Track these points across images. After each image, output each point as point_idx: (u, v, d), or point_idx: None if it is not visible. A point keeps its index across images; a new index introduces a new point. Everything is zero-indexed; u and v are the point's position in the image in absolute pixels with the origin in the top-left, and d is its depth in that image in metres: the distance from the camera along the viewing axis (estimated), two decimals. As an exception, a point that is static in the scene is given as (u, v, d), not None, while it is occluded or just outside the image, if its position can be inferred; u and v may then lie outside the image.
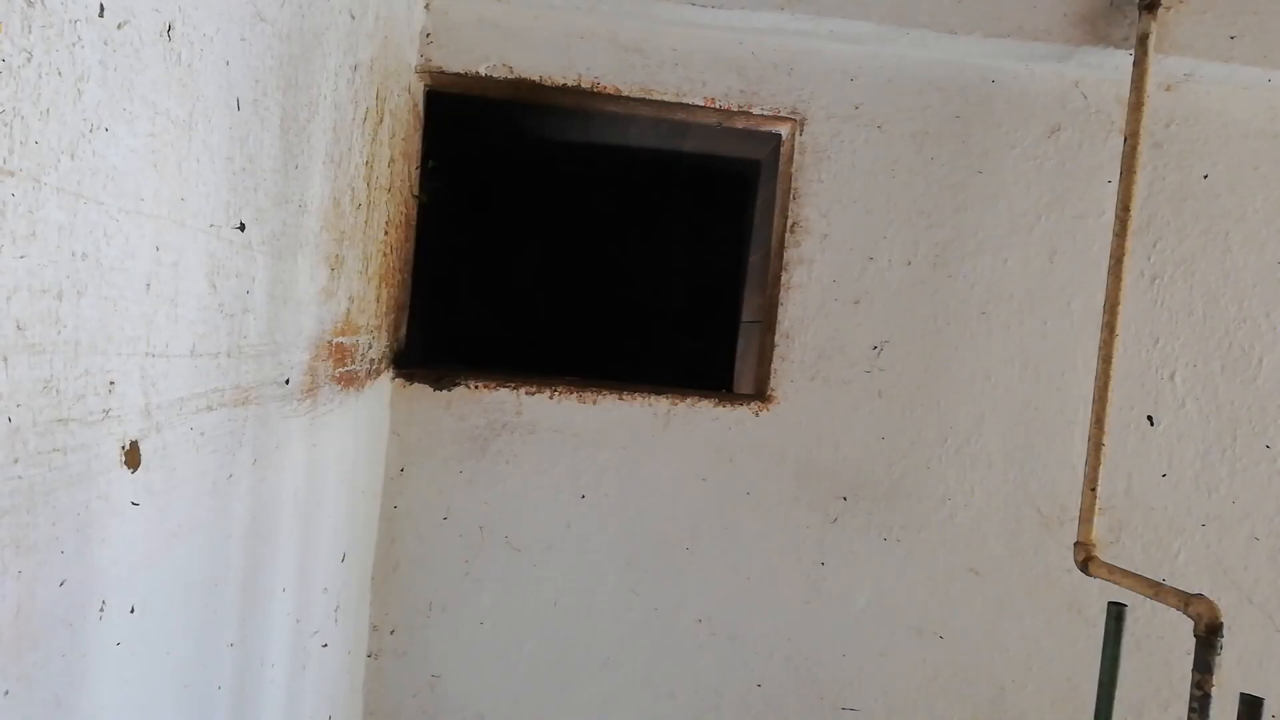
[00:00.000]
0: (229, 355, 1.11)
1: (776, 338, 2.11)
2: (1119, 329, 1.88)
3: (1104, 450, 1.88)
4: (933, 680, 2.18)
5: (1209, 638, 1.38)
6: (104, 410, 0.84)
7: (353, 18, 1.48)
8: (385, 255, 1.88)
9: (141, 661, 0.97)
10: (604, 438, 2.10)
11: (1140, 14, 1.87)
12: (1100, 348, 1.89)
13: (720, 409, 2.11)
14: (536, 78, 2.05)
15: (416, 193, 2.13)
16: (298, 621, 1.55)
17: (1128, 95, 1.90)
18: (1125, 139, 1.89)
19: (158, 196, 0.90)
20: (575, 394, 2.10)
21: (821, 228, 2.11)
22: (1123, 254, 1.88)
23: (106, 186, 0.80)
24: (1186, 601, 1.45)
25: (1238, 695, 1.36)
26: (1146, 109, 1.87)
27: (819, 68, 2.09)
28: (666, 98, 2.07)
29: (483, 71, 2.05)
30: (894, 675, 2.18)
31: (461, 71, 2.04)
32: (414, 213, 2.14)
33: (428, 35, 2.03)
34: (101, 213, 0.80)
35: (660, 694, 2.16)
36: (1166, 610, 1.53)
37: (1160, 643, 2.12)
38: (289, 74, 1.22)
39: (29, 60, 0.68)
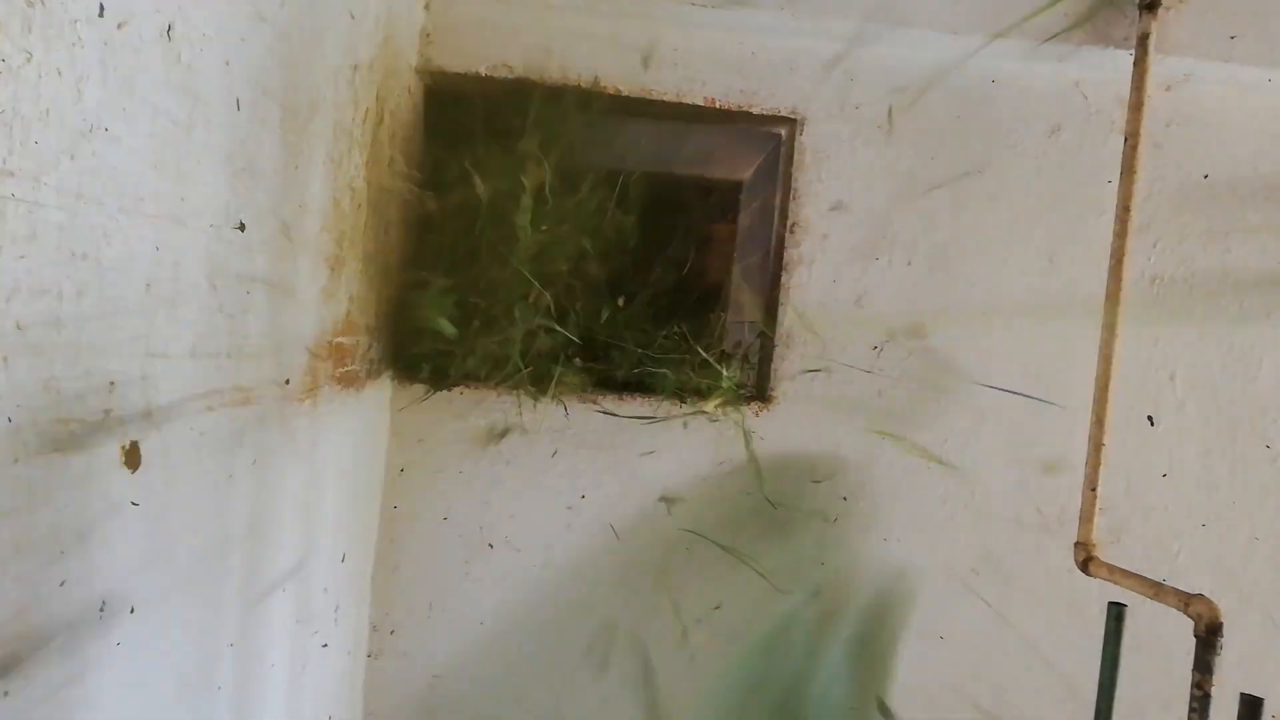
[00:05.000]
0: (229, 355, 1.11)
1: (777, 338, 2.11)
2: (1119, 329, 1.88)
3: (1104, 450, 1.88)
4: (933, 680, 2.18)
5: (1209, 638, 1.39)
6: (104, 410, 0.84)
7: (353, 18, 1.49)
8: (385, 255, 1.88)
9: (141, 662, 0.97)
10: (604, 438, 2.10)
11: (1140, 14, 1.87)
12: (1100, 348, 1.89)
13: (720, 409, 2.11)
14: (537, 78, 2.05)
15: (416, 193, 2.13)
16: (298, 622, 1.55)
17: (1128, 95, 1.90)
18: (1125, 139, 1.89)
19: (158, 197, 0.90)
20: (575, 394, 2.10)
21: (821, 228, 2.10)
22: (1123, 254, 1.88)
23: (106, 187, 0.80)
24: (1187, 602, 1.45)
25: (1238, 695, 1.36)
26: (1146, 109, 1.87)
27: (819, 68, 2.09)
28: (666, 98, 2.07)
29: (483, 72, 2.05)
30: (894, 675, 2.17)
31: (462, 72, 2.04)
32: (414, 213, 2.14)
33: (428, 35, 2.03)
34: (101, 213, 0.80)
35: (660, 693, 2.16)
36: (1167, 610, 1.52)
37: (1160, 643, 2.12)
38: (289, 74, 1.22)
39: (29, 60, 0.68)
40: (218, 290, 1.06)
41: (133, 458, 0.89)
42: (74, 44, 0.73)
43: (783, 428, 2.12)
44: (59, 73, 0.71)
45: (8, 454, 0.71)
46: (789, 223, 2.11)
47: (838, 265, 2.11)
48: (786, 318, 2.11)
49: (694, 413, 2.11)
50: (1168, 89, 2.11)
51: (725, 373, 2.10)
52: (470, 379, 2.06)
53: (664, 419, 2.11)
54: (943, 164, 2.11)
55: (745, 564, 2.12)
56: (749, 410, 2.11)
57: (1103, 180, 2.11)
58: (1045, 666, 2.18)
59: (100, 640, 0.88)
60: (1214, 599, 1.42)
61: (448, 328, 1.88)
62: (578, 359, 2.08)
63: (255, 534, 1.28)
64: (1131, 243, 1.88)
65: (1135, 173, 1.87)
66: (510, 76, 2.05)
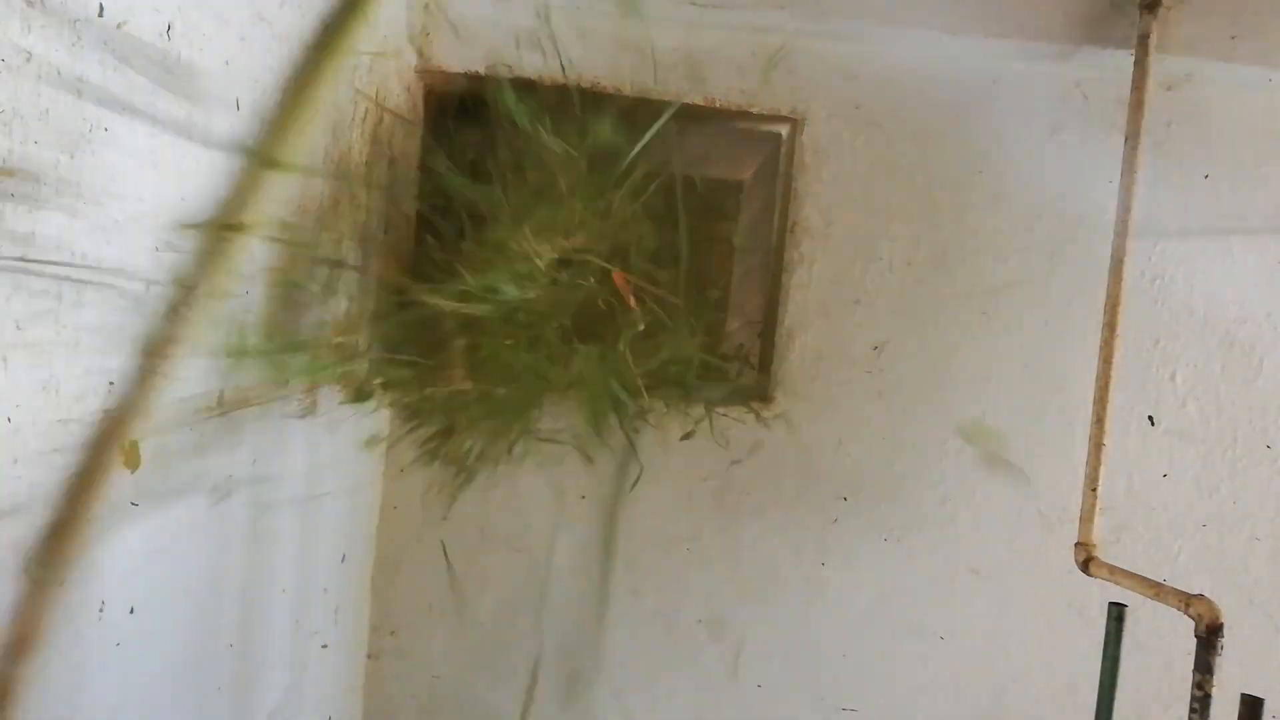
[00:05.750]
0: (229, 356, 1.11)
1: (777, 338, 2.11)
2: (1119, 329, 1.87)
3: (1104, 450, 1.87)
4: (933, 681, 2.18)
5: (1210, 638, 1.38)
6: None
7: (353, 18, 1.48)
8: (384, 256, 1.88)
9: (141, 662, 0.97)
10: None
11: (1140, 14, 1.87)
12: (1100, 348, 1.89)
13: (721, 410, 2.11)
14: (536, 77, 2.05)
15: (415, 193, 2.12)
16: (297, 622, 1.55)
17: (1128, 95, 1.90)
18: (1125, 139, 1.89)
19: (158, 196, 0.90)
20: (576, 396, 2.09)
21: (821, 228, 2.10)
22: (1123, 254, 1.87)
23: (106, 186, 0.80)
24: (1187, 602, 1.45)
25: (1238, 696, 1.36)
26: (1147, 109, 1.87)
27: (819, 68, 2.09)
28: (666, 98, 2.07)
29: (483, 71, 2.05)
30: (894, 676, 2.17)
31: (461, 71, 2.04)
32: (413, 213, 2.14)
33: (427, 34, 2.03)
34: (101, 212, 0.80)
35: (660, 696, 2.16)
36: (1167, 611, 1.52)
37: (1161, 643, 2.12)
38: (288, 74, 1.22)
39: (29, 60, 0.68)
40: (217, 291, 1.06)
41: (132, 458, 0.89)
42: (74, 44, 0.73)
43: (783, 428, 2.11)
44: (59, 73, 0.71)
45: (8, 454, 0.71)
46: (789, 223, 2.11)
47: (838, 265, 2.11)
48: (787, 318, 2.11)
49: (695, 413, 2.10)
50: (1168, 89, 2.10)
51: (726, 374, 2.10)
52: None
53: (665, 417, 2.10)
54: (943, 164, 2.11)
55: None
56: (750, 411, 2.11)
57: (1103, 180, 2.11)
58: (1045, 667, 2.18)
59: (100, 641, 0.88)
60: (1215, 599, 1.41)
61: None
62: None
63: (254, 535, 1.28)
64: (1132, 243, 1.88)
65: (1135, 173, 1.87)
66: (510, 76, 2.04)
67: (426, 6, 2.03)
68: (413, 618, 2.12)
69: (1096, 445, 1.88)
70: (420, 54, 2.03)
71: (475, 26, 2.04)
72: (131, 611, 0.93)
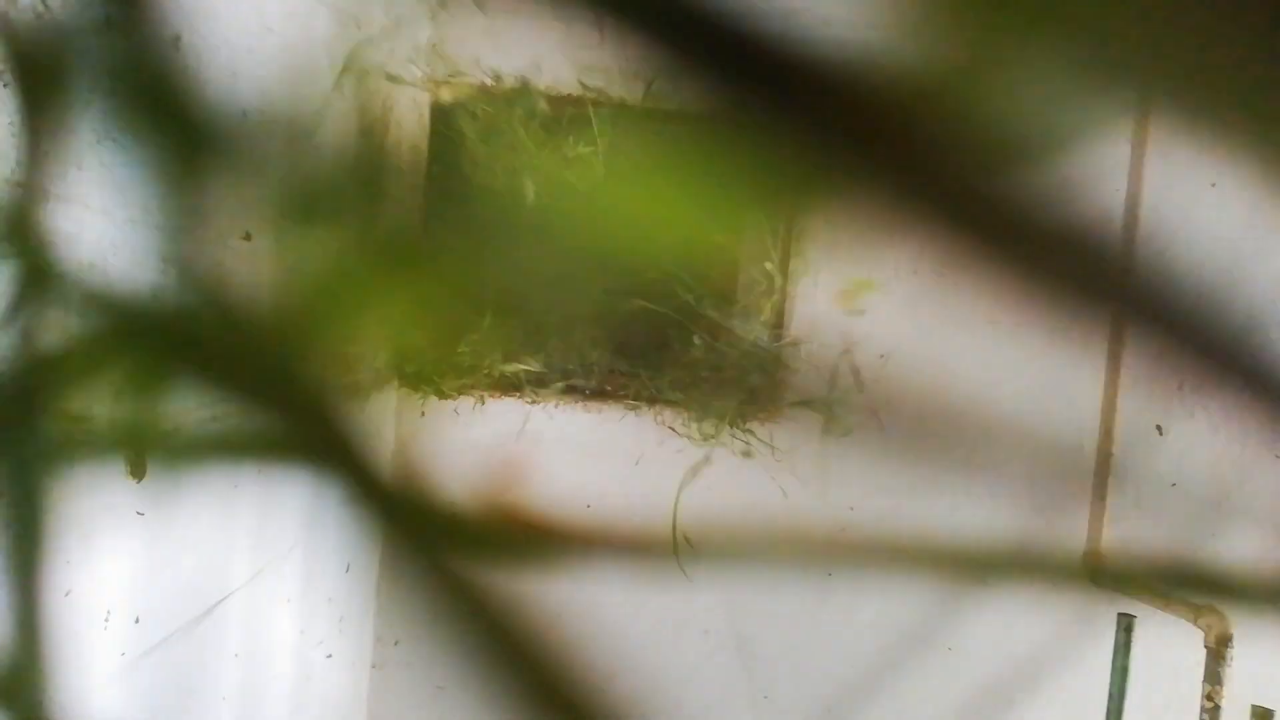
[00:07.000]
0: (235, 365, 1.11)
1: (782, 348, 2.11)
2: (1126, 338, 1.87)
3: (1113, 460, 1.87)
4: (941, 692, 2.16)
5: (1219, 649, 1.37)
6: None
7: (358, 27, 1.49)
8: (390, 264, 1.88)
9: (145, 672, 0.96)
10: (610, 449, 2.10)
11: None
12: (1108, 357, 1.89)
13: (726, 421, 2.10)
14: (543, 88, 2.05)
15: (420, 202, 2.13)
16: (302, 632, 1.55)
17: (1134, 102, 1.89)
18: (1132, 147, 1.89)
19: (165, 207, 0.90)
20: (581, 405, 2.09)
21: (828, 236, 2.10)
22: (1130, 262, 1.87)
23: (114, 197, 0.81)
24: (1197, 613, 1.44)
25: (1249, 707, 1.35)
26: (1154, 117, 1.87)
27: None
28: (671, 108, 2.07)
29: (489, 82, 2.05)
30: (902, 687, 2.16)
31: (468, 82, 2.05)
32: (417, 221, 2.14)
33: (434, 45, 2.04)
34: (109, 224, 0.80)
35: (666, 705, 2.15)
36: (1176, 621, 1.51)
37: (1170, 654, 2.10)
38: (295, 84, 1.22)
39: (37, 70, 0.68)
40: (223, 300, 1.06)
41: (138, 467, 0.89)
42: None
43: (789, 438, 2.11)
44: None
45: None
46: (795, 231, 2.11)
47: (844, 274, 2.10)
48: (792, 327, 2.11)
49: (702, 425, 2.10)
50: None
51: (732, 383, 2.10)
52: (478, 385, 2.06)
53: (671, 431, 2.10)
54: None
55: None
56: (755, 423, 2.11)
57: (1111, 188, 2.10)
58: (1054, 678, 2.16)
59: (105, 650, 0.88)
60: (1224, 610, 1.41)
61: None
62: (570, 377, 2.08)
63: (259, 543, 1.28)
64: (1139, 251, 1.87)
65: (1142, 180, 1.87)
66: (516, 87, 2.05)
67: (433, 16, 2.04)
68: (417, 628, 2.12)
69: (1104, 455, 1.87)
70: (426, 63, 2.04)
71: (481, 37, 2.05)
72: (136, 621, 0.93)
